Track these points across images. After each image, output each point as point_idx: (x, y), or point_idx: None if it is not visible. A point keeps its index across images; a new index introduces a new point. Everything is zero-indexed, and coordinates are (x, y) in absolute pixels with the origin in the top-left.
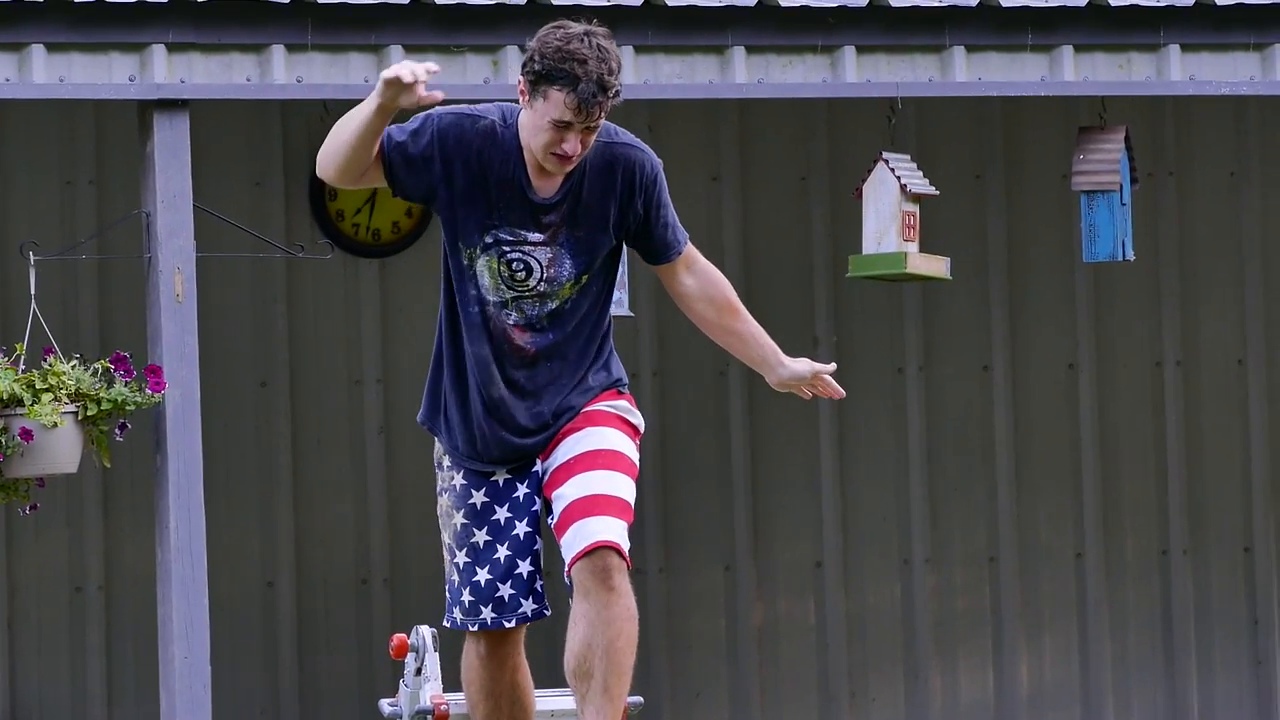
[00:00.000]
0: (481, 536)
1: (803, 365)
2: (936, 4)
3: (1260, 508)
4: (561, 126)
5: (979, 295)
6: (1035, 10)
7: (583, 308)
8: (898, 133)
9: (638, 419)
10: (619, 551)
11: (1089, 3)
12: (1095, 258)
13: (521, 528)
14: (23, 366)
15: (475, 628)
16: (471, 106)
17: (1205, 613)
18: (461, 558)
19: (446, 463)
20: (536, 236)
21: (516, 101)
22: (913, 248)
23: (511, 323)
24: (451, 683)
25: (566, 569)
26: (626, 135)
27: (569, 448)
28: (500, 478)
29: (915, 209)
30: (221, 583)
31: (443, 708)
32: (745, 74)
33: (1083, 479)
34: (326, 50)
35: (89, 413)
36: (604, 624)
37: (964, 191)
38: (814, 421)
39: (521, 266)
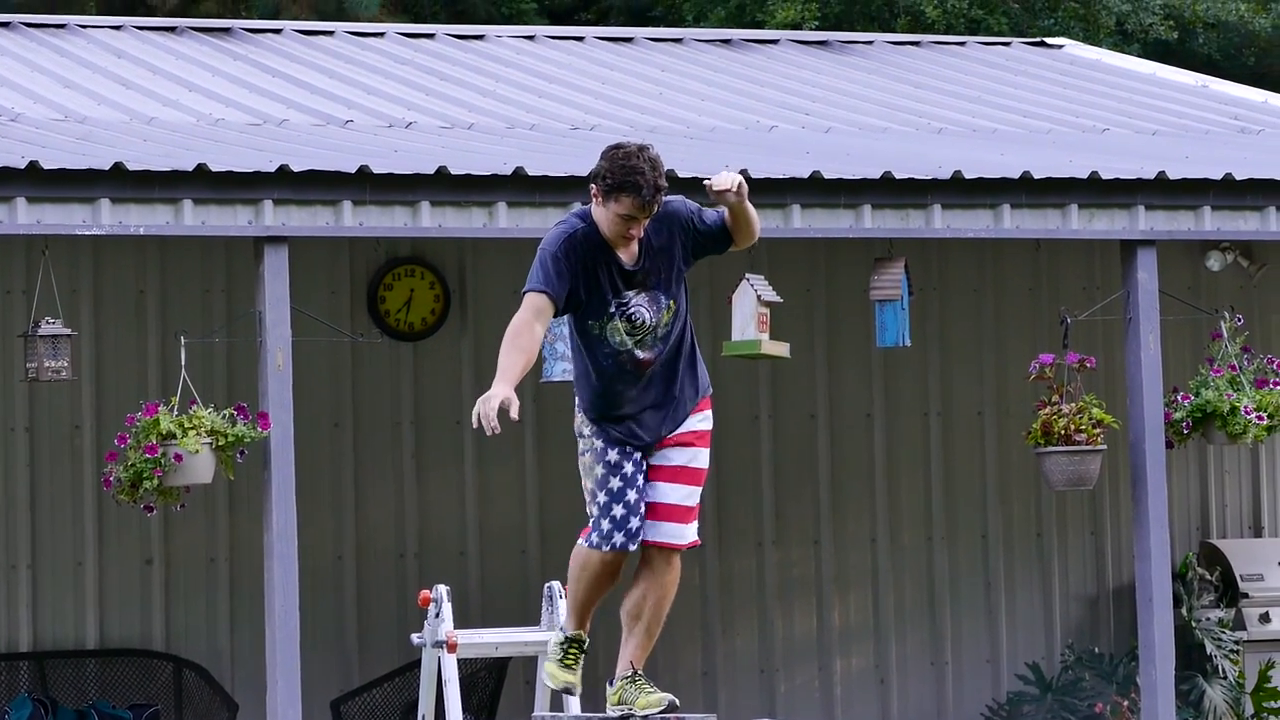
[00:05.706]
0: (615, 483)
1: (721, 191)
2: (780, 176)
3: (991, 510)
4: (629, 219)
5: (808, 367)
6: (846, 181)
7: (676, 326)
8: (755, 260)
9: (710, 422)
10: (681, 550)
11: (882, 175)
12: (885, 344)
13: (639, 484)
14: (175, 412)
15: (608, 549)
16: (561, 224)
17: (956, 578)
18: (602, 497)
19: (587, 431)
20: (634, 291)
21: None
22: (765, 337)
23: (640, 356)
24: (459, 623)
25: (644, 539)
26: None
27: (671, 455)
28: (627, 446)
29: (767, 311)
30: (306, 556)
31: (453, 639)
32: None
33: (875, 489)
34: (379, 205)
35: (219, 443)
36: (657, 586)
37: (799, 299)
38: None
39: (636, 316)
